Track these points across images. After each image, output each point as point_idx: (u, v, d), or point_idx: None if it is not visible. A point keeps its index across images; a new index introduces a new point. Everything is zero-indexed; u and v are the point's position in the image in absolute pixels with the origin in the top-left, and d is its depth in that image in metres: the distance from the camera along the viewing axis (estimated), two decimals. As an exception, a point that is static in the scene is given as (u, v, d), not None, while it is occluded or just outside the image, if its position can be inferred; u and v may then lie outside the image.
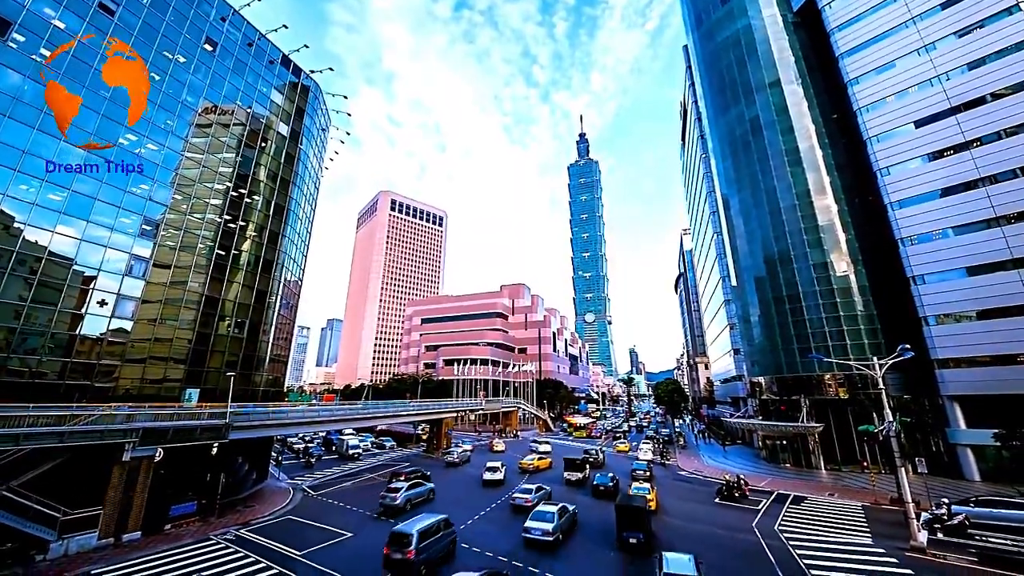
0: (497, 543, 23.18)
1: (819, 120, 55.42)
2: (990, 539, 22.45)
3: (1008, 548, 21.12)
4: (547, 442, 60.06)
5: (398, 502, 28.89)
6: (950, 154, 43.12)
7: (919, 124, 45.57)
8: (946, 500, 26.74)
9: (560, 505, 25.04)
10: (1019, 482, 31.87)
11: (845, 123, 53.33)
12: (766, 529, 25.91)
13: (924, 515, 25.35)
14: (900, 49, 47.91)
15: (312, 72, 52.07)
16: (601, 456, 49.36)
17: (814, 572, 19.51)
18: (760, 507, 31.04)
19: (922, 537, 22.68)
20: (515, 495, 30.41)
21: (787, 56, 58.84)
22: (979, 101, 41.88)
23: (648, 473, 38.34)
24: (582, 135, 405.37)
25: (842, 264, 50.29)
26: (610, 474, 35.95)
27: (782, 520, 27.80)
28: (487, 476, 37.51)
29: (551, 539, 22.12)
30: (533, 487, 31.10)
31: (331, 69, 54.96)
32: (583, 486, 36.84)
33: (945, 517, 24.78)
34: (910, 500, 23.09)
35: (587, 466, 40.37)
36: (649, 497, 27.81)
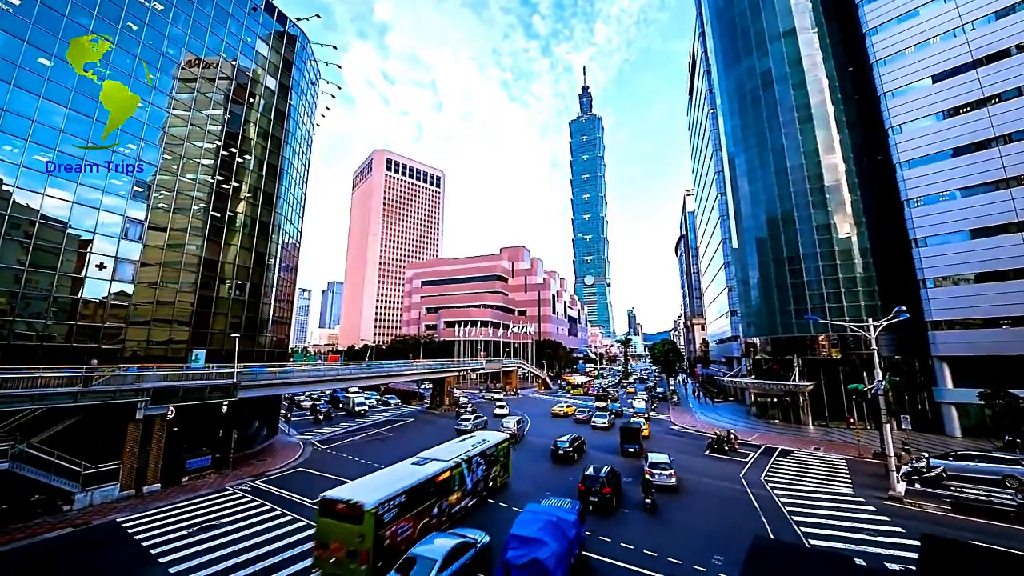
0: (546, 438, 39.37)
1: (833, 74, 52.93)
2: (964, 489, 23.78)
3: (979, 497, 22.45)
4: (504, 400, 69.48)
5: (468, 427, 40.61)
6: (966, 111, 41.54)
7: (937, 79, 43.57)
8: (925, 454, 28.07)
9: (609, 412, 49.82)
10: (997, 437, 33.33)
11: (859, 78, 50.98)
12: (752, 479, 27.38)
13: (904, 468, 26.70)
14: (925, -6, 44.88)
15: (299, 20, 48.97)
16: (616, 396, 74.75)
17: (795, 518, 20.81)
18: (748, 459, 32.64)
19: (900, 488, 24.01)
20: (578, 412, 52.33)
21: (804, 1, 55.27)
22: (1003, 54, 39.81)
23: (646, 415, 50.08)
24: (585, 88, 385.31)
25: (845, 226, 49.83)
26: (618, 405, 60.13)
27: (768, 471, 29.30)
28: (497, 411, 52.22)
29: (607, 425, 45.20)
30: (587, 407, 54.15)
31: (318, 16, 51.56)
32: (605, 411, 53.11)
33: (924, 469, 26.12)
34: (892, 454, 24.24)
35: (608, 400, 64.18)
36: (644, 427, 39.77)
